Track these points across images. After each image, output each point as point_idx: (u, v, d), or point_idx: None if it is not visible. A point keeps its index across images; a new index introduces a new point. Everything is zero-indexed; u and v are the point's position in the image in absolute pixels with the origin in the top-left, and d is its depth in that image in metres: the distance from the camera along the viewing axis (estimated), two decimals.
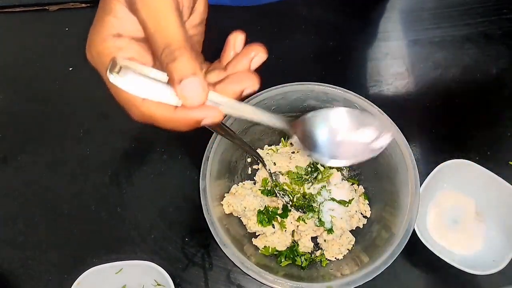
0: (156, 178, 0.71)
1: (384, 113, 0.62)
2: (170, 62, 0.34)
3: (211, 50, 0.83)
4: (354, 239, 0.65)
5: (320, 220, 0.64)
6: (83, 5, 0.84)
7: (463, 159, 0.66)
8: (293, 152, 0.70)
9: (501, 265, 0.60)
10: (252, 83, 0.38)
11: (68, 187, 0.71)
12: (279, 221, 0.65)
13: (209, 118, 0.37)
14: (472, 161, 0.66)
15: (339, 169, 0.69)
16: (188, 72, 0.33)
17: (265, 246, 0.64)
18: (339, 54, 0.82)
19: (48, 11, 0.84)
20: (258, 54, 0.40)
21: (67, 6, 0.85)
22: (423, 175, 0.64)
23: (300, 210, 0.65)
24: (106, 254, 0.66)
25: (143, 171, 0.72)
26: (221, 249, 0.55)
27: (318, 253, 0.65)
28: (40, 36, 0.82)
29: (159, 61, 0.35)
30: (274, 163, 0.68)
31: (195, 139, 0.73)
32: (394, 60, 0.82)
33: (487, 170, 0.65)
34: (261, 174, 0.69)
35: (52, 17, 0.84)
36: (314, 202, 0.65)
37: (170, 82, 0.35)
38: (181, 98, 0.35)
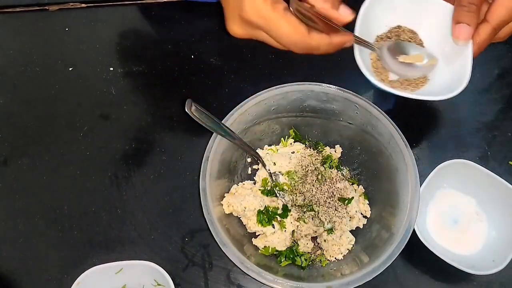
0: (156, 178, 0.71)
1: (384, 113, 0.62)
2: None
3: (215, 49, 0.83)
4: (354, 239, 0.65)
5: (320, 220, 0.64)
6: (83, 5, 0.84)
7: (463, 159, 0.66)
8: (293, 152, 0.70)
9: (501, 265, 0.60)
10: None
11: (68, 188, 0.71)
12: (279, 221, 0.65)
13: (348, 42, 0.54)
14: (472, 161, 0.66)
15: (339, 169, 0.69)
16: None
17: (265, 246, 0.64)
18: (339, 54, 0.81)
19: (48, 11, 0.84)
20: None
21: (67, 6, 0.85)
22: (423, 175, 0.64)
23: (300, 210, 0.65)
24: (106, 254, 0.66)
25: (143, 171, 0.72)
26: (221, 249, 0.55)
27: (318, 253, 0.65)
28: (40, 36, 0.82)
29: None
30: (274, 163, 0.68)
31: (195, 140, 0.74)
32: None
33: (487, 170, 0.65)
34: (261, 174, 0.69)
35: (52, 17, 0.84)
36: (314, 202, 0.65)
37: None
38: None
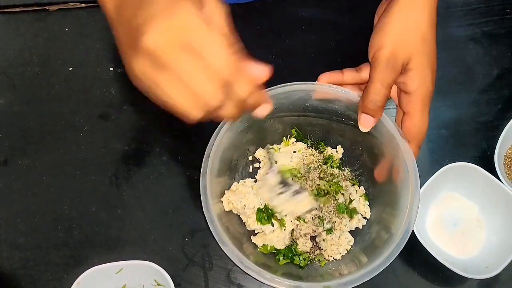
0: (156, 178, 0.71)
1: (386, 114, 0.62)
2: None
3: None
4: (353, 240, 0.65)
5: (320, 219, 0.64)
6: (83, 5, 0.84)
7: (463, 159, 0.66)
8: (294, 152, 0.70)
9: (494, 271, 0.60)
10: None
11: (68, 188, 0.71)
12: (279, 220, 0.65)
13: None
14: (472, 161, 0.66)
15: (340, 169, 0.69)
16: None
17: (263, 244, 0.64)
18: (339, 54, 0.81)
19: (48, 11, 0.84)
20: None
21: (67, 6, 0.85)
22: (423, 176, 0.63)
23: (317, 194, 0.65)
24: (106, 254, 0.66)
25: (143, 171, 0.72)
26: (221, 248, 0.55)
27: (316, 252, 0.65)
28: (40, 36, 0.82)
29: None
30: (276, 161, 0.68)
31: (195, 140, 0.74)
32: None
33: (492, 176, 0.64)
34: (262, 173, 0.68)
35: (52, 17, 0.84)
36: (329, 187, 0.65)
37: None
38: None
